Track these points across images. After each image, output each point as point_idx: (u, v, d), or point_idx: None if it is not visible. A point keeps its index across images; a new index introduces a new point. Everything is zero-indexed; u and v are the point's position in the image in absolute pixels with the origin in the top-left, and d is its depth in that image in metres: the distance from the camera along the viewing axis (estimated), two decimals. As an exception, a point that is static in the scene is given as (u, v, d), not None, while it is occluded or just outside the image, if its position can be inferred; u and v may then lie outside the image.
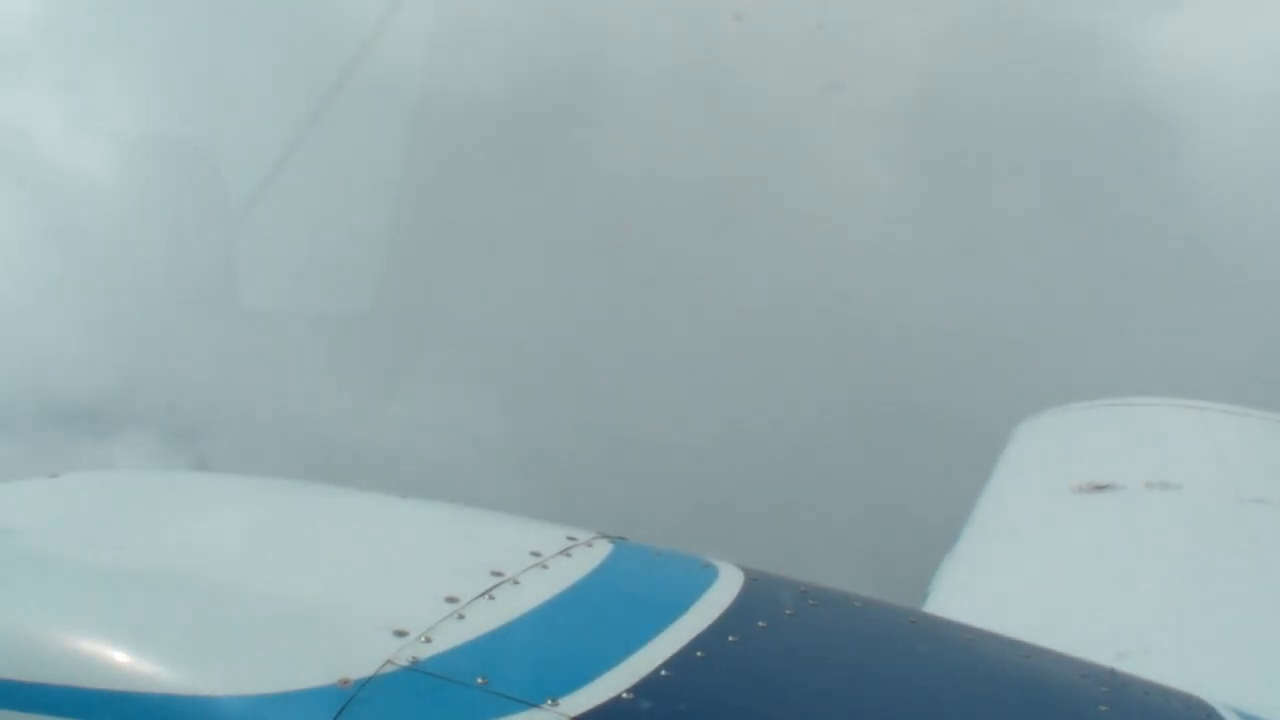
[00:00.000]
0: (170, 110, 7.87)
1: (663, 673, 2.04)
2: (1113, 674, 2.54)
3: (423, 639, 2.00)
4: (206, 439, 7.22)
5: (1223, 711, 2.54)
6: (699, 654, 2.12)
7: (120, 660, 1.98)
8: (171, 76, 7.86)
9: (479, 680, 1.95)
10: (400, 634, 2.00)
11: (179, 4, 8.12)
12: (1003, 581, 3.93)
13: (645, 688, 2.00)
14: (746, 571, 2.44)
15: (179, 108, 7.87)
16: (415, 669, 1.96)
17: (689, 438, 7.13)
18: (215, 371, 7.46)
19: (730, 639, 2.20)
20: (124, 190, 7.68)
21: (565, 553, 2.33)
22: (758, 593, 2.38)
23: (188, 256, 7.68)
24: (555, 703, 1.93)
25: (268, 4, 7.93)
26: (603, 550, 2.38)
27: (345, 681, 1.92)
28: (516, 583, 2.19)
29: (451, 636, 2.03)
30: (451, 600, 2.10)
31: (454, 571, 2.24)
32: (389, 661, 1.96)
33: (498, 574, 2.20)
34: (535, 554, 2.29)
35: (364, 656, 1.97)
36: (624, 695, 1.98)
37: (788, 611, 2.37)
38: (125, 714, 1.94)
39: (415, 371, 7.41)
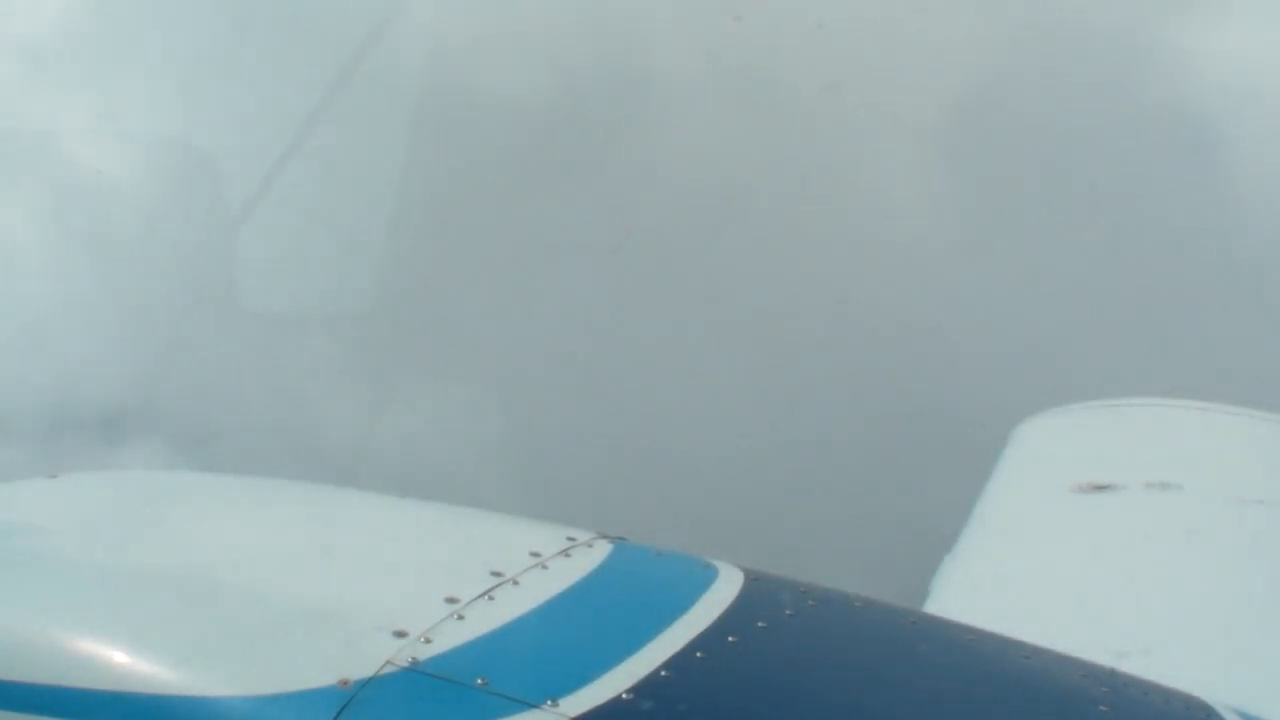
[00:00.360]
0: (173, 112, 7.88)
1: (663, 673, 2.05)
2: (1113, 674, 2.54)
3: (423, 639, 2.01)
4: (209, 442, 7.22)
5: (1223, 712, 2.55)
6: (699, 654, 2.12)
7: (116, 660, 1.98)
8: (172, 78, 7.87)
9: (479, 681, 1.96)
10: (400, 634, 2.01)
11: (176, 4, 8.13)
12: (1003, 582, 3.93)
13: (645, 688, 2.01)
14: (746, 572, 2.45)
15: (182, 110, 7.87)
16: (415, 670, 1.96)
17: (689, 438, 7.12)
18: (215, 373, 7.45)
19: (730, 639, 2.20)
20: (125, 191, 7.68)
21: (565, 553, 2.33)
22: (758, 593, 2.38)
23: (187, 258, 7.68)
24: (555, 703, 1.93)
25: (265, 4, 7.94)
26: (602, 551, 2.39)
27: (345, 682, 1.93)
28: (516, 583, 2.20)
29: (451, 637, 2.03)
30: (451, 601, 2.10)
31: (454, 572, 2.24)
32: (389, 662, 1.96)
33: (497, 574, 2.20)
34: (535, 554, 2.29)
35: (363, 657, 1.97)
36: (624, 695, 1.98)
37: (788, 612, 2.38)
38: (121, 714, 1.94)
39: (416, 372, 7.43)
